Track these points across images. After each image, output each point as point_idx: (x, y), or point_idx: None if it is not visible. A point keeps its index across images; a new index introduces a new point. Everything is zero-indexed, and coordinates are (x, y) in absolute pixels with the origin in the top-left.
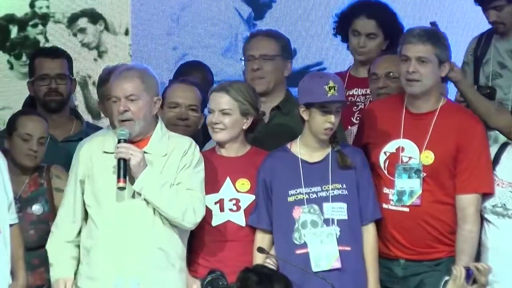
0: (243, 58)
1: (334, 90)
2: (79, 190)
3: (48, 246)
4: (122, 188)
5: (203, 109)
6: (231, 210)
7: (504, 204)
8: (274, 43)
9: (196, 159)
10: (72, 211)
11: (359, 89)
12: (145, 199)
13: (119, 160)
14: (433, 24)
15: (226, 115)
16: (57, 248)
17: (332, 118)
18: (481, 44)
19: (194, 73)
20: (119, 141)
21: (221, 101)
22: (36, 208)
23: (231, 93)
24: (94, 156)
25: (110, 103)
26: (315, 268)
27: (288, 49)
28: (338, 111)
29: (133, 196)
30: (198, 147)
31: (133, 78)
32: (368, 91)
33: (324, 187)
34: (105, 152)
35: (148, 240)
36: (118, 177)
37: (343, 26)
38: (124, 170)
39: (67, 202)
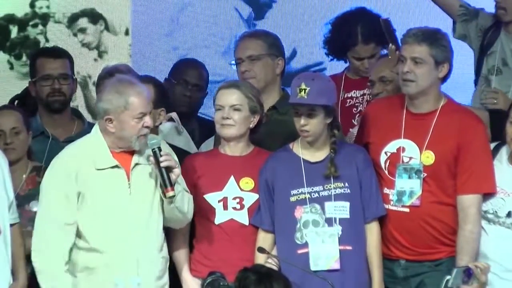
0: (233, 63)
1: (304, 92)
2: (73, 206)
3: (44, 272)
4: (173, 197)
5: (161, 105)
6: (234, 208)
7: (496, 212)
8: (260, 43)
9: (177, 160)
10: (63, 228)
11: (357, 91)
12: (149, 209)
13: (161, 168)
14: (386, 20)
15: (236, 111)
16: (58, 274)
17: (301, 120)
18: (490, 33)
19: (189, 71)
20: (154, 151)
21: (232, 97)
22: (34, 204)
23: (241, 89)
24: (86, 174)
25: (125, 117)
26: (313, 267)
27: (277, 46)
28: (312, 114)
29: (137, 210)
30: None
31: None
32: (366, 92)
33: (326, 186)
34: (98, 169)
35: (156, 253)
36: (166, 186)
37: (339, 52)
38: (169, 178)
39: (55, 219)
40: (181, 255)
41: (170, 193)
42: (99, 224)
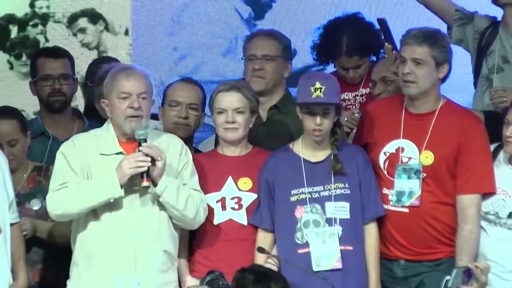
0: (243, 57)
1: (320, 91)
2: (77, 175)
3: (71, 192)
4: (147, 187)
5: (204, 108)
6: (233, 208)
7: (497, 213)
8: (277, 44)
9: (191, 160)
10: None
11: (350, 93)
12: (151, 201)
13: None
14: (382, 20)
15: (240, 113)
16: (81, 183)
17: (317, 119)
18: (487, 34)
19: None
20: (139, 141)
21: (234, 99)
22: (34, 202)
23: (242, 91)
24: (91, 158)
25: (113, 99)
26: (316, 268)
27: (289, 50)
28: (327, 113)
29: (136, 199)
30: (187, 147)
31: (144, 77)
32: (358, 93)
33: (327, 187)
34: (102, 154)
35: (154, 244)
36: (142, 176)
37: (324, 59)
38: (148, 169)
39: (69, 178)
40: (181, 257)
41: (145, 183)
42: (98, 210)
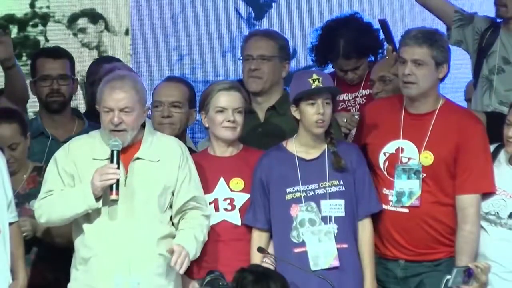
0: (241, 58)
1: (319, 81)
2: (64, 181)
3: (53, 201)
4: (116, 201)
5: (193, 105)
6: (226, 209)
7: (497, 213)
8: (273, 44)
9: (192, 168)
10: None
11: (349, 94)
12: (147, 205)
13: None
14: (383, 21)
15: (239, 113)
16: (63, 193)
17: (320, 108)
18: (488, 34)
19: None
20: (112, 152)
21: (236, 99)
22: (34, 204)
23: (241, 91)
24: (83, 163)
25: (100, 110)
26: (313, 267)
27: (286, 50)
28: (327, 103)
29: (131, 202)
30: (186, 148)
31: (128, 89)
32: (357, 94)
33: (321, 184)
34: (95, 159)
35: (149, 247)
36: (111, 189)
37: (322, 61)
38: (118, 183)
39: (55, 186)
40: None
41: (112, 197)
42: (91, 214)
